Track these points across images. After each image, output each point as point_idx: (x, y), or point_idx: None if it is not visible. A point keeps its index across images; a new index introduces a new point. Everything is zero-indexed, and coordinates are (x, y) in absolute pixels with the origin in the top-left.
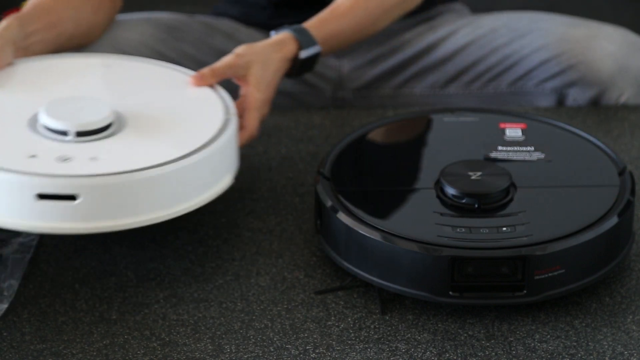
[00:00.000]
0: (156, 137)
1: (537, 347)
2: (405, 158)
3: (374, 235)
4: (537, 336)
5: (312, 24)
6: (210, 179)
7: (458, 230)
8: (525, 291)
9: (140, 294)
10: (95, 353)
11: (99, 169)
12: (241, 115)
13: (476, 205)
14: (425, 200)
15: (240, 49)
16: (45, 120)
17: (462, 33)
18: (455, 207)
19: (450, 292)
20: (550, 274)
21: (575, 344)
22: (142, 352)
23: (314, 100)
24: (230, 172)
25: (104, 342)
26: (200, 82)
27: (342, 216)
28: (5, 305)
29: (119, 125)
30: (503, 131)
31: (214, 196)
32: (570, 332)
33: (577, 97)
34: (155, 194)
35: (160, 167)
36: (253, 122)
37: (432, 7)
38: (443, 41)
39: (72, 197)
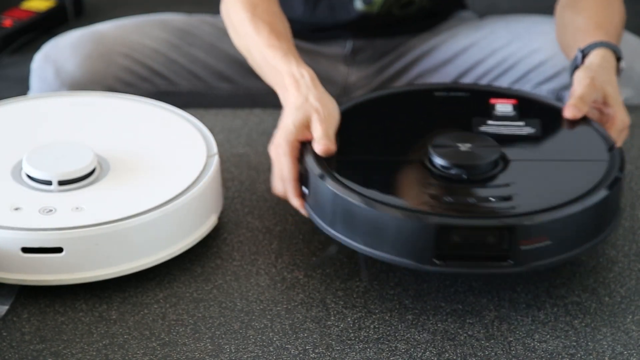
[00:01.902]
0: (139, 181)
1: (536, 347)
2: (395, 130)
3: (360, 202)
4: (537, 336)
5: (596, 35)
6: (195, 222)
7: (445, 199)
8: (511, 261)
9: (139, 294)
10: (94, 353)
11: (83, 221)
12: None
13: (464, 176)
14: (414, 171)
15: (584, 72)
16: (28, 169)
17: (463, 35)
18: (444, 178)
19: (435, 261)
20: (536, 245)
21: (574, 344)
22: (142, 352)
23: None
24: (215, 211)
25: (104, 342)
26: (578, 113)
27: (329, 183)
28: (6, 307)
29: (102, 171)
30: (494, 106)
31: (199, 239)
32: (570, 332)
33: None
34: (140, 242)
35: (143, 215)
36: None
37: (450, 19)
38: (444, 44)
39: (57, 250)
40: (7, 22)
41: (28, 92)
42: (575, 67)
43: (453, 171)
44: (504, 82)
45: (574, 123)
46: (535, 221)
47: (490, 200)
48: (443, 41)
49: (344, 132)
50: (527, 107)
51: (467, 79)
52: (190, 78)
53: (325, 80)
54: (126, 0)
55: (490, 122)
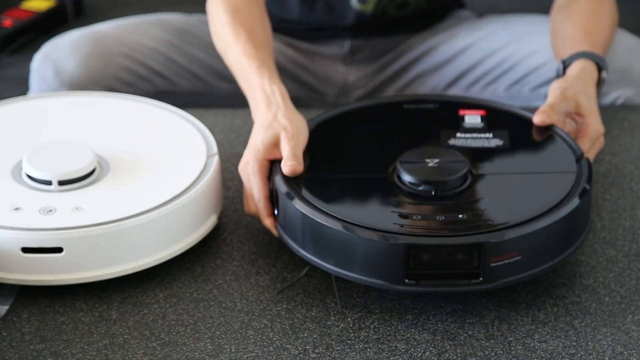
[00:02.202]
0: (139, 181)
1: (536, 347)
2: (364, 145)
3: (330, 223)
4: (537, 336)
5: (581, 43)
6: (195, 222)
7: (414, 217)
8: (481, 278)
9: (139, 294)
10: (94, 353)
11: (83, 221)
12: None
13: (433, 193)
14: (383, 188)
15: (557, 83)
16: (28, 169)
17: (461, 36)
18: (412, 195)
19: (406, 280)
20: (506, 261)
21: (574, 343)
22: (142, 352)
23: (317, 105)
24: (216, 211)
25: (104, 342)
26: (548, 119)
27: (297, 203)
28: (6, 307)
29: (102, 171)
30: (462, 118)
31: (199, 239)
32: (570, 332)
33: None
34: (140, 242)
35: (143, 215)
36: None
37: (449, 18)
38: (442, 44)
39: (57, 250)
40: (7, 22)
41: (28, 92)
42: (557, 77)
43: (421, 188)
44: (502, 84)
45: (542, 134)
46: (504, 238)
47: (458, 218)
48: (442, 41)
49: (313, 149)
50: (496, 118)
51: (466, 80)
52: (190, 78)
53: (324, 80)
54: (126, 0)
55: (459, 134)
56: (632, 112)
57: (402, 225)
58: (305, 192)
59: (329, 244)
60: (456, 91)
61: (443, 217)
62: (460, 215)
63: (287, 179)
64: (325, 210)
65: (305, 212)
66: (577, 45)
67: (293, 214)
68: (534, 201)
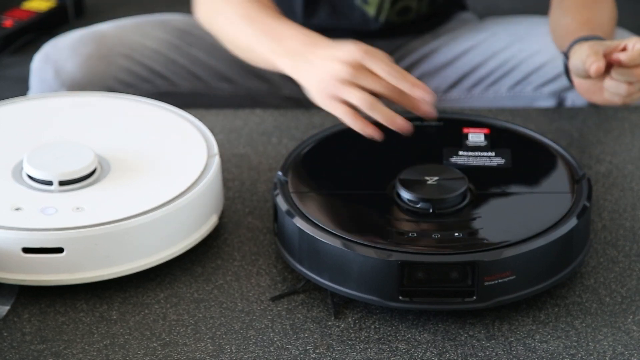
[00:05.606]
0: (140, 182)
1: (537, 347)
2: (365, 161)
3: (325, 239)
4: (538, 336)
5: (581, 33)
6: (196, 222)
7: (410, 234)
8: (475, 297)
9: (140, 294)
10: (95, 353)
11: (84, 221)
12: None
13: (431, 210)
14: (381, 204)
15: (575, 51)
16: (28, 169)
17: (463, 38)
18: (410, 212)
19: (400, 297)
20: (500, 280)
21: (575, 344)
22: (143, 352)
23: (318, 106)
24: (216, 211)
25: (104, 342)
26: (601, 61)
27: (295, 218)
28: (7, 307)
29: (103, 171)
30: (466, 136)
31: (199, 239)
32: (571, 333)
33: (575, 99)
34: (141, 242)
35: (144, 215)
36: None
37: (450, 20)
38: (444, 46)
39: (58, 250)
40: (8, 23)
41: (28, 93)
42: (566, 67)
43: (419, 205)
44: (505, 85)
45: (544, 153)
46: (498, 257)
47: (454, 236)
48: (444, 43)
49: (315, 166)
50: (500, 136)
51: (468, 82)
52: (190, 79)
53: None
54: (126, 1)
55: (461, 152)
56: (633, 113)
57: (397, 243)
58: (302, 208)
59: (323, 260)
60: (458, 92)
61: (439, 235)
62: (457, 234)
63: (286, 194)
64: (321, 225)
65: (302, 228)
66: (575, 36)
67: (290, 229)
68: (531, 221)
